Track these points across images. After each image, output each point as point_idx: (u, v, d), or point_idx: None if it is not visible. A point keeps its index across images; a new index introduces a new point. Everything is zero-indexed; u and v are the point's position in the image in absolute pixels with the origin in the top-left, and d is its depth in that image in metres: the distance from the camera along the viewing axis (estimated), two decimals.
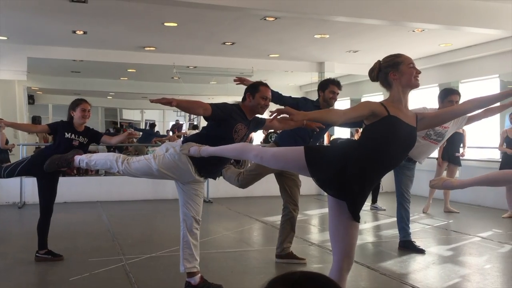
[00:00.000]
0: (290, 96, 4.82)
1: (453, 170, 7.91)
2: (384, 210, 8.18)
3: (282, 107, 2.85)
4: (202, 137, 3.74)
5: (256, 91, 3.83)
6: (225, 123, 3.67)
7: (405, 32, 8.03)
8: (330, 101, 4.75)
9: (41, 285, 4.38)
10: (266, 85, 3.91)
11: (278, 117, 2.79)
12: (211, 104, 3.63)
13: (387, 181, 8.38)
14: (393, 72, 2.72)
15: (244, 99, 3.88)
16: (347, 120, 2.74)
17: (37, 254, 4.80)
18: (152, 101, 3.45)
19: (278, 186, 4.87)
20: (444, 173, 8.01)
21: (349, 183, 2.63)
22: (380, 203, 8.38)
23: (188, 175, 3.68)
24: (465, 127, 7.86)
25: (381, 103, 2.72)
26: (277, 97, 4.56)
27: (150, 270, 4.54)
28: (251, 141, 15.99)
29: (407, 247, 5.27)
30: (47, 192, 4.77)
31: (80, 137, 4.74)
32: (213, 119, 3.67)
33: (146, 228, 6.91)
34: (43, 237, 4.81)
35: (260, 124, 4.06)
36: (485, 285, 4.16)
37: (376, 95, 12.16)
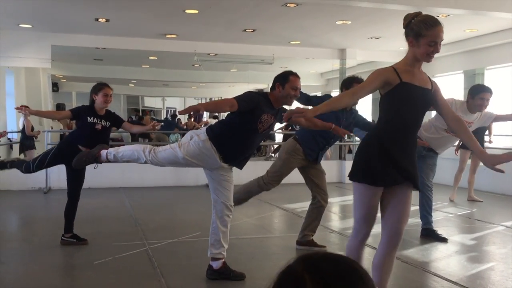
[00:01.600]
0: (315, 95, 4.80)
1: (478, 160, 7.76)
2: None
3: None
4: (226, 125, 3.76)
5: (286, 81, 3.76)
6: (251, 112, 3.64)
7: None
8: None
9: (67, 268, 4.48)
10: (296, 75, 3.83)
11: (293, 118, 2.81)
12: (237, 99, 3.59)
13: None
14: (412, 39, 2.74)
15: (273, 88, 3.83)
16: (362, 96, 2.82)
17: (62, 238, 4.91)
18: (181, 112, 3.62)
19: (298, 173, 4.87)
20: (468, 162, 7.87)
21: (376, 165, 2.74)
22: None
23: (214, 161, 3.71)
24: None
25: (393, 67, 2.77)
26: (305, 99, 4.56)
27: (172, 255, 4.61)
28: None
29: (429, 235, 5.23)
30: (75, 178, 4.86)
31: (103, 120, 4.80)
32: (240, 112, 3.61)
33: (168, 214, 7.00)
34: (69, 221, 4.92)
35: None
36: (509, 274, 4.11)
37: None
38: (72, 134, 5.00)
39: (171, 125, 14.97)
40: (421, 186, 5.24)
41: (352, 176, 2.85)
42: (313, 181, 4.78)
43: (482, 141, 7.74)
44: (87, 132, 4.74)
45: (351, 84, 4.69)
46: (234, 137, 3.70)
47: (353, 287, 0.89)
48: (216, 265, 3.84)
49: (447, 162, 8.89)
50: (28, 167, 4.75)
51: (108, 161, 3.98)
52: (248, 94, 3.73)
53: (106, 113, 4.88)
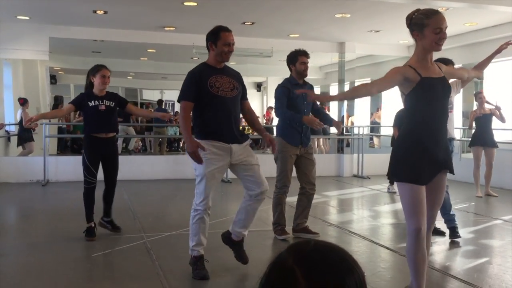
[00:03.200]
0: (278, 97, 4.76)
1: (491, 153, 7.67)
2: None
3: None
4: (194, 116, 3.72)
5: (217, 38, 3.66)
6: (199, 88, 3.61)
7: None
8: (303, 73, 4.78)
9: (65, 261, 4.47)
10: (226, 29, 3.71)
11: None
12: (185, 98, 3.64)
13: None
14: (417, 32, 2.82)
15: (208, 48, 3.75)
16: (382, 90, 2.96)
17: (100, 220, 5.03)
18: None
19: (295, 167, 4.90)
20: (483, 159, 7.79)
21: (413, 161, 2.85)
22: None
23: (223, 148, 3.63)
24: (491, 107, 7.70)
25: (409, 65, 2.84)
26: (283, 112, 4.70)
27: (170, 248, 4.61)
28: (271, 120, 15.97)
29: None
30: (109, 167, 4.89)
31: (105, 101, 4.81)
32: (196, 97, 3.63)
33: (166, 207, 7.01)
34: (107, 205, 5.00)
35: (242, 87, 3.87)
36: (507, 268, 4.13)
37: None
38: (84, 130, 4.94)
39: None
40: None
41: (396, 177, 2.95)
42: (302, 171, 4.86)
43: (490, 133, 7.65)
44: (93, 117, 4.77)
45: (296, 58, 4.75)
46: (209, 118, 3.64)
47: (342, 277, 0.89)
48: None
49: None
50: (87, 191, 4.79)
51: (198, 254, 3.75)
52: (185, 82, 3.69)
53: (108, 94, 4.89)
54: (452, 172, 3.02)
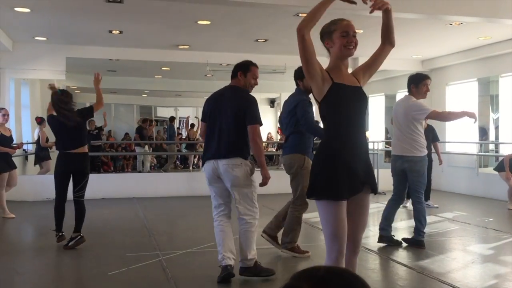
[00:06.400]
0: (310, 114, 4.78)
1: None
2: (437, 207, 7.96)
3: None
4: None
5: (247, 70, 4.10)
6: None
7: (442, 25, 7.82)
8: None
9: (81, 279, 4.50)
10: (256, 66, 4.19)
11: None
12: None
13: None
14: (327, 41, 2.77)
15: (235, 76, 4.17)
16: (308, 58, 2.69)
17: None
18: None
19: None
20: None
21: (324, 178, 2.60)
22: (433, 200, 8.11)
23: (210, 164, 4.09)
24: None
25: (326, 69, 2.76)
26: (315, 129, 4.75)
27: (186, 266, 4.60)
28: None
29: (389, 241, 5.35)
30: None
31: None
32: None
33: (181, 224, 7.00)
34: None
35: None
36: None
37: None
38: None
39: (171, 135, 15.04)
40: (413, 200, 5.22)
41: (311, 194, 2.66)
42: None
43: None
44: None
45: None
46: None
47: None
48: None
49: (460, 171, 8.76)
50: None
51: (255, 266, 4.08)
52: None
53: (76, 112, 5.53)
54: (374, 191, 2.72)
